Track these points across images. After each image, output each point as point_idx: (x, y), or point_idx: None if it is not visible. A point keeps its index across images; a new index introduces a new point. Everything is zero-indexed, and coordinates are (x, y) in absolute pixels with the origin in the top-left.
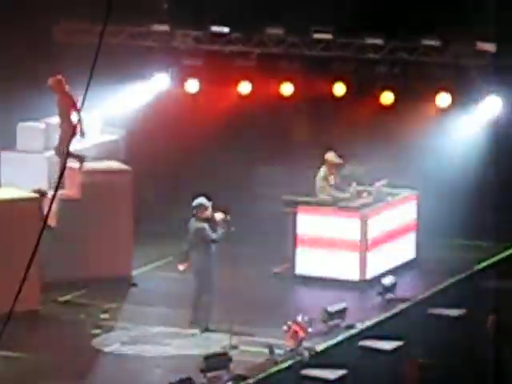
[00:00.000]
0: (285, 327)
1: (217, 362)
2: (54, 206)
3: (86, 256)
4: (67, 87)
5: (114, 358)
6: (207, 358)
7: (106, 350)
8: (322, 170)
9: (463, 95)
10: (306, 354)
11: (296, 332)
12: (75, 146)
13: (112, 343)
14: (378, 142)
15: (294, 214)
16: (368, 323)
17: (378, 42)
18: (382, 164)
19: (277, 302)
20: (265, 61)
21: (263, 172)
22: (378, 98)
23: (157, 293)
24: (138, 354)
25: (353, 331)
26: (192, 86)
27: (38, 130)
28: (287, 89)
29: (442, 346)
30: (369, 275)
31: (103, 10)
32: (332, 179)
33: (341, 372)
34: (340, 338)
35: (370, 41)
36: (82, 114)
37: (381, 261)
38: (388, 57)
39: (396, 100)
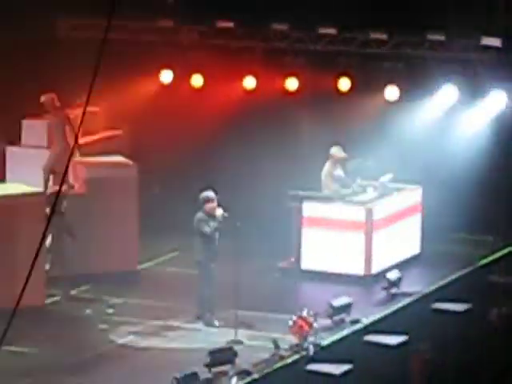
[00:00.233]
0: (290, 322)
1: (222, 356)
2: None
3: (92, 251)
4: (58, 104)
5: (120, 352)
6: (212, 352)
7: (112, 344)
8: (327, 165)
9: (468, 90)
10: (311, 348)
11: (301, 327)
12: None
13: (118, 338)
14: (382, 137)
15: (300, 209)
16: (373, 318)
17: (383, 36)
18: (386, 158)
19: (282, 296)
20: (270, 56)
21: (268, 166)
22: (382, 92)
23: (162, 287)
24: (144, 348)
25: (358, 326)
26: (197, 80)
27: (42, 126)
28: (292, 84)
29: (447, 341)
30: (374, 270)
31: (106, 4)
32: (338, 172)
33: (346, 367)
34: (345, 332)
35: (375, 36)
36: (81, 114)
37: (386, 255)
38: (393, 51)
39: (401, 94)
